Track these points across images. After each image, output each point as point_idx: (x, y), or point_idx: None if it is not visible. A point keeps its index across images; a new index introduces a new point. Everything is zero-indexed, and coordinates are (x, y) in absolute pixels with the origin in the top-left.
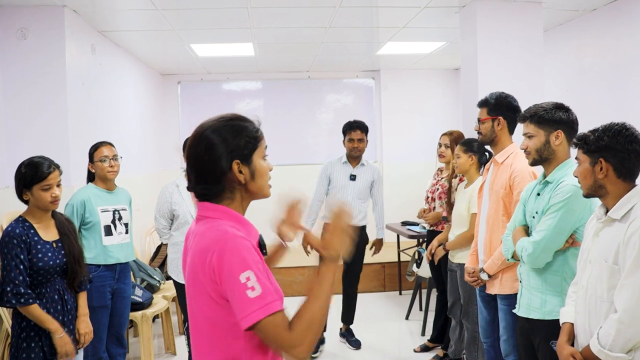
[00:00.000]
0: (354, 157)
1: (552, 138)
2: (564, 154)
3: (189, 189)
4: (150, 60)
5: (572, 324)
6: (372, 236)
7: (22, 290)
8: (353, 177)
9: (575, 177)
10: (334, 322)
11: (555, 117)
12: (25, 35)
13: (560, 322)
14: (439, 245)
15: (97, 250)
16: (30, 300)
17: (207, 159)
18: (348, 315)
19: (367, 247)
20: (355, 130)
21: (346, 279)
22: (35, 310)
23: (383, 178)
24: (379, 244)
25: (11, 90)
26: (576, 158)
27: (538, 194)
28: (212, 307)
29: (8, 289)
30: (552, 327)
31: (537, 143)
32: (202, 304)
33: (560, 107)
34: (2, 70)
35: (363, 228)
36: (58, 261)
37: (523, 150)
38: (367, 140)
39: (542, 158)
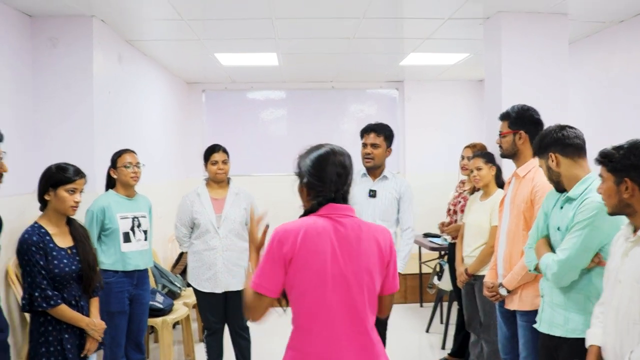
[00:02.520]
0: (368, 167)
1: (550, 162)
2: (570, 170)
3: (343, 198)
4: (175, 68)
5: (600, 347)
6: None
7: (50, 293)
8: (373, 193)
9: (600, 194)
10: None
11: (544, 143)
12: (55, 44)
13: (587, 344)
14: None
15: (115, 257)
16: (59, 301)
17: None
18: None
19: None
20: (369, 133)
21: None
22: (66, 311)
23: None
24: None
25: (40, 97)
26: (599, 175)
27: (561, 207)
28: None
29: (36, 293)
30: (575, 346)
31: (544, 172)
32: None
33: (550, 130)
34: (33, 77)
35: None
36: (73, 267)
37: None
38: (388, 147)
39: (555, 182)
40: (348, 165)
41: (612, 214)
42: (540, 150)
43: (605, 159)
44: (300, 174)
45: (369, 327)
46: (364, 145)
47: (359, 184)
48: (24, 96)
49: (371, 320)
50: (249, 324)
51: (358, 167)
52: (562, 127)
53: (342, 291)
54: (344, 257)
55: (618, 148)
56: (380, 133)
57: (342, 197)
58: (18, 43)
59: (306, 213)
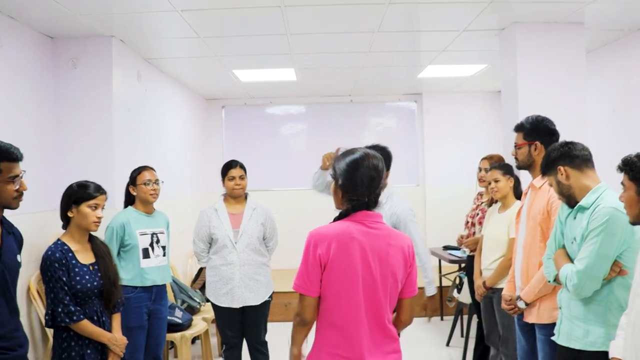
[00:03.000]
0: None
1: (559, 176)
2: (580, 182)
3: (375, 201)
4: (194, 85)
5: None
6: None
7: (73, 309)
8: None
9: (622, 202)
10: None
11: (550, 159)
12: (76, 64)
13: (610, 356)
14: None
15: (134, 272)
16: (82, 317)
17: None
18: None
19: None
20: None
21: None
22: (88, 326)
23: (425, 202)
24: (429, 302)
25: (62, 116)
26: (621, 183)
27: (574, 218)
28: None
29: (59, 309)
30: (594, 359)
31: (555, 187)
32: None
33: (556, 146)
34: (55, 97)
35: None
36: (95, 283)
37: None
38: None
39: (566, 196)
40: (380, 169)
41: (634, 223)
42: (548, 167)
43: (627, 166)
44: (335, 176)
45: (387, 322)
46: None
47: None
48: (45, 115)
49: (389, 316)
50: (267, 338)
51: None
52: (567, 142)
53: (370, 292)
54: (374, 262)
55: None
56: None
57: (374, 200)
58: (40, 63)
59: (341, 216)
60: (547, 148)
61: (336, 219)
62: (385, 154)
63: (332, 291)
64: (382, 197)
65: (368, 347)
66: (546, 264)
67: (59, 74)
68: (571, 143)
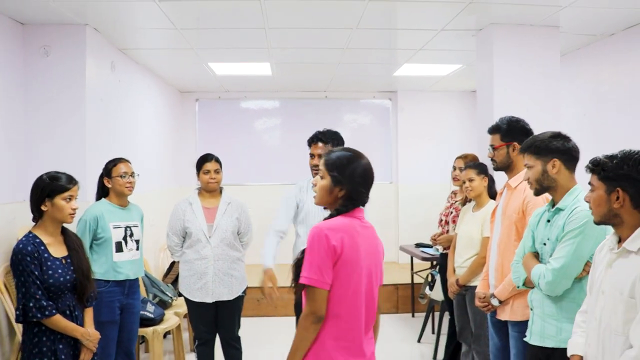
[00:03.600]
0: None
1: (549, 167)
2: (566, 181)
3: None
4: (168, 77)
5: (581, 357)
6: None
7: (45, 304)
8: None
9: (587, 202)
10: None
11: (550, 147)
12: (48, 52)
13: (568, 354)
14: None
15: (107, 266)
16: (54, 312)
17: None
18: None
19: None
20: (316, 142)
21: None
22: (61, 321)
23: (398, 199)
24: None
25: (32, 106)
26: (589, 183)
27: (548, 221)
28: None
29: (31, 304)
30: (567, 355)
31: (535, 173)
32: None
33: (556, 136)
34: (25, 86)
35: None
36: (68, 277)
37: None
38: None
39: (544, 187)
40: None
41: (598, 223)
42: (541, 152)
43: (597, 167)
44: (342, 181)
45: (376, 311)
46: (312, 156)
47: (310, 194)
48: (15, 104)
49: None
50: (240, 333)
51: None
52: (568, 139)
53: (368, 283)
54: (368, 254)
55: (611, 157)
56: (327, 142)
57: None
58: (9, 51)
59: (339, 213)
60: None
61: (333, 215)
62: (339, 138)
63: (341, 282)
64: None
65: (363, 336)
66: (515, 269)
67: (29, 61)
68: (572, 141)
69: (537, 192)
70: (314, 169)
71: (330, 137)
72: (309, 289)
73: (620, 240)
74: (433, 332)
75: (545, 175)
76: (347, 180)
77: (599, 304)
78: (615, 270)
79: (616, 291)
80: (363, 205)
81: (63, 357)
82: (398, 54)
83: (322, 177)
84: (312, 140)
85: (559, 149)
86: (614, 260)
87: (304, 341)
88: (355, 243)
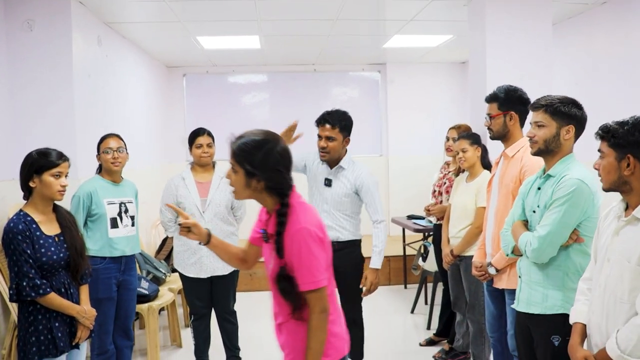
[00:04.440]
0: (324, 161)
1: (563, 132)
2: (568, 149)
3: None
4: (155, 52)
5: (584, 325)
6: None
7: (39, 282)
8: (328, 182)
9: (596, 169)
10: None
11: (570, 112)
12: (32, 27)
13: (571, 321)
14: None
15: (102, 243)
16: (48, 290)
17: None
18: (355, 349)
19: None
20: (323, 124)
21: (345, 306)
22: (56, 299)
23: (389, 172)
24: (371, 275)
25: (18, 83)
26: (599, 150)
27: (538, 188)
28: None
29: (24, 283)
30: (553, 322)
31: (547, 133)
32: None
33: (575, 103)
34: (9, 62)
35: (351, 244)
36: (61, 255)
37: (529, 138)
38: (345, 138)
39: (548, 149)
40: None
41: (607, 190)
42: (561, 115)
43: (607, 133)
44: (255, 172)
45: None
46: (319, 137)
47: (319, 171)
48: None
49: None
50: (236, 307)
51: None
52: (583, 108)
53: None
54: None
55: (622, 124)
56: (335, 125)
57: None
58: None
59: (286, 206)
60: (521, 117)
61: (285, 213)
62: (347, 119)
63: (329, 272)
64: (344, 163)
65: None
66: (503, 237)
67: (13, 37)
68: (585, 113)
69: (539, 153)
70: (322, 151)
71: (337, 119)
72: (315, 291)
73: (627, 208)
74: (426, 303)
75: (555, 139)
76: (261, 170)
77: (604, 272)
78: (623, 238)
79: (623, 259)
80: (290, 189)
81: (59, 334)
82: (388, 25)
83: (234, 171)
84: (320, 122)
85: (577, 116)
86: (621, 228)
87: (324, 343)
88: (321, 222)
